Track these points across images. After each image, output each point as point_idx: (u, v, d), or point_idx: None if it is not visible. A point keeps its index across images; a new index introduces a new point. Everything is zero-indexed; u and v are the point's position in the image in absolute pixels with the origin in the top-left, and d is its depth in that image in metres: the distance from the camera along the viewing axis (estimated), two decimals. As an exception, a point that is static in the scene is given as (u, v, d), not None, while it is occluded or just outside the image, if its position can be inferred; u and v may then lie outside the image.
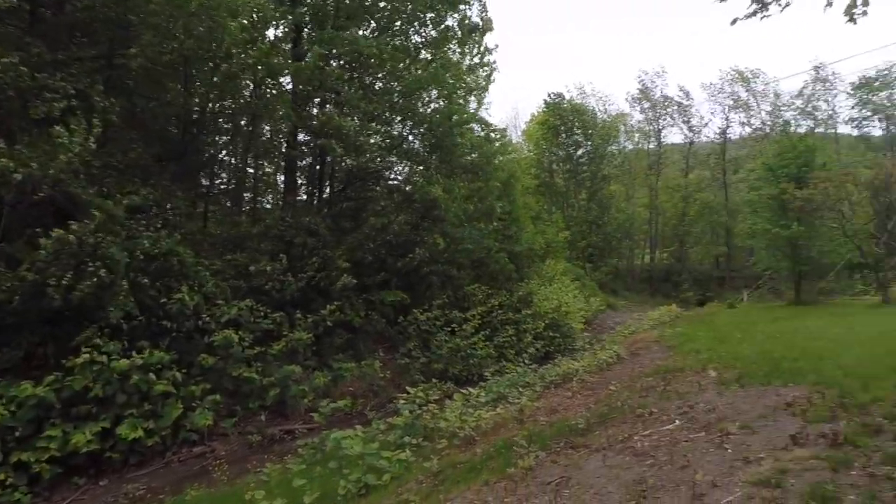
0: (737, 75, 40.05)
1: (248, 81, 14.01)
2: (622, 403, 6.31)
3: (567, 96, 40.80)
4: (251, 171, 19.35)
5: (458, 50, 18.40)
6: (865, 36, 67.57)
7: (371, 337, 16.17)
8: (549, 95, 40.07)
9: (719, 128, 42.52)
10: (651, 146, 45.04)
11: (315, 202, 18.25)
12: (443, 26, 17.09)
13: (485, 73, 17.76)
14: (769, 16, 6.60)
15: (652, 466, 3.86)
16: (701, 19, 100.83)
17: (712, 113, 42.39)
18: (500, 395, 10.09)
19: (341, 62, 17.12)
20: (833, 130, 39.14)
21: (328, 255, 14.50)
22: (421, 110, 18.03)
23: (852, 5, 6.48)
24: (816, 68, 38.03)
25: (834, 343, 8.75)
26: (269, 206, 19.10)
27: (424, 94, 18.00)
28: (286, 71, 13.20)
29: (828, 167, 21.57)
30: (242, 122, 16.02)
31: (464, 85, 16.84)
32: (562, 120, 38.71)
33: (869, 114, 36.55)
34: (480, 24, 17.43)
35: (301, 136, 17.17)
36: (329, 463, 5.75)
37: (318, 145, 15.52)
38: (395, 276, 16.57)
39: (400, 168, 20.32)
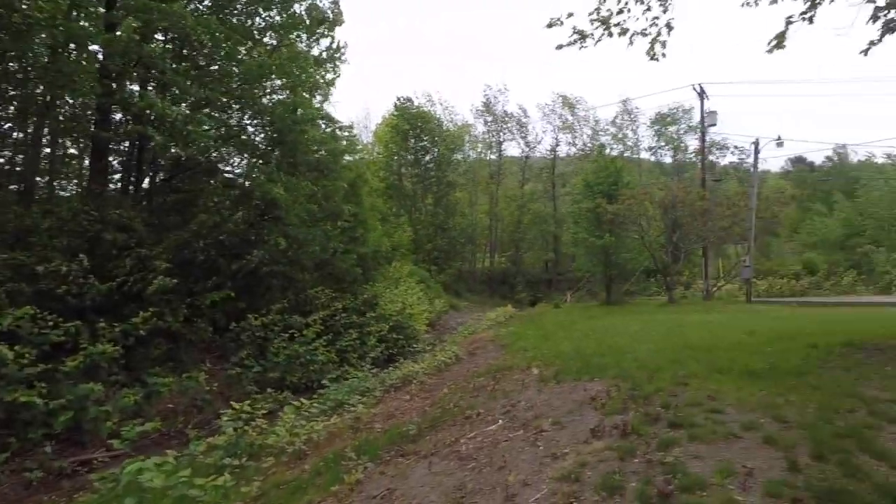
0: (562, 100, 44.92)
1: (42, 44, 11.62)
2: (454, 405, 6.50)
3: (416, 102, 41.78)
4: (48, 150, 16.13)
5: (307, 40, 17.58)
6: (666, 76, 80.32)
7: (197, 346, 14.60)
8: (399, 99, 40.69)
9: (550, 145, 47.18)
10: (493, 157, 48.20)
11: (132, 193, 15.92)
12: (290, 11, 16.15)
13: (333, 68, 17.20)
14: (586, 46, 7.37)
15: (473, 470, 3.99)
16: (541, 42, 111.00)
17: (544, 131, 46.98)
18: (339, 403, 9.80)
19: (168, 37, 15.21)
20: (637, 156, 46.10)
21: (144, 255, 12.74)
22: (264, 101, 16.86)
23: (651, 49, 7.55)
24: (623, 101, 44.53)
25: (632, 339, 10.14)
26: (69, 195, 16.11)
27: (267, 83, 16.86)
28: (93, 39, 11.23)
29: (630, 186, 25.26)
30: (38, 92, 13.30)
31: (311, 78, 16.09)
32: (411, 124, 39.51)
33: (663, 144, 43.79)
34: (330, 15, 16.86)
35: (118, 116, 14.85)
36: (126, 500, 4.93)
37: (136, 132, 13.56)
38: (229, 279, 15.23)
39: (238, 161, 18.79)
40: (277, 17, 16.21)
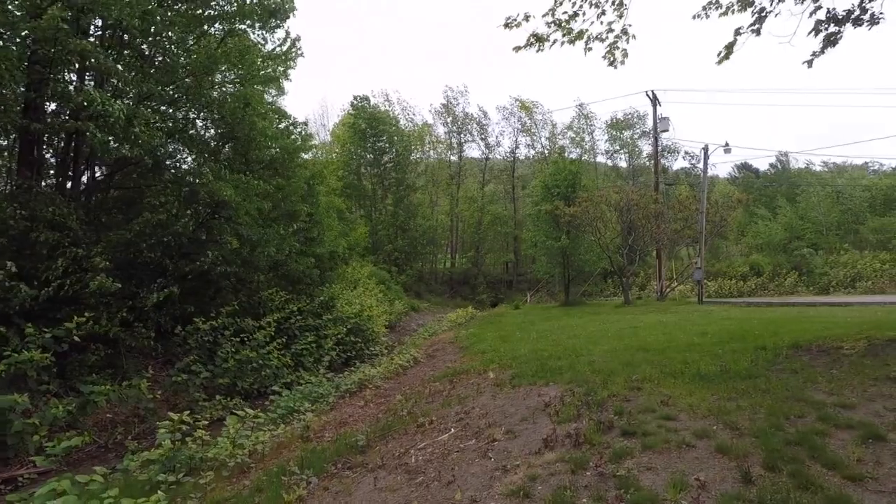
0: (519, 104, 45.38)
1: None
2: (407, 412, 6.29)
3: (373, 101, 41.34)
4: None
5: (258, 32, 16.91)
6: (625, 82, 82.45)
7: (141, 351, 13.87)
8: (356, 98, 40.13)
9: (510, 147, 47.57)
10: (454, 158, 48.22)
11: (68, 189, 14.91)
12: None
13: (285, 62, 16.62)
14: (543, 50, 7.30)
15: (420, 485, 3.79)
16: (505, 43, 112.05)
17: (502, 133, 47.28)
18: (290, 410, 9.42)
19: (108, 24, 14.30)
20: (594, 159, 47.07)
21: (81, 255, 11.93)
22: (215, 94, 16.11)
23: (610, 54, 7.55)
24: (579, 106, 45.41)
25: (588, 340, 10.20)
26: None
27: (218, 76, 16.13)
28: (17, 24, 10.41)
29: (587, 189, 25.69)
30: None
31: (260, 70, 15.49)
32: (368, 123, 39.03)
33: (618, 148, 44.87)
34: (282, 3, 16.25)
35: (53, 107, 13.86)
36: (43, 526, 4.48)
37: (74, 128, 12.66)
38: (177, 282, 14.51)
39: (187, 158, 17.93)
40: (227, 7, 15.51)
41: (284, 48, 16.30)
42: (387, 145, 40.54)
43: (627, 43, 7.05)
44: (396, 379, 10.86)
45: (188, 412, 7.51)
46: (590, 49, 7.25)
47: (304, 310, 17.68)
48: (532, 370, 7.23)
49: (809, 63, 6.40)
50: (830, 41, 6.07)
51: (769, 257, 39.34)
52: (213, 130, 17.47)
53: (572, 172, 25.65)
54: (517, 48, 7.35)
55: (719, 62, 6.85)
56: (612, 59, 7.45)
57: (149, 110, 14.28)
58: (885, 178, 52.62)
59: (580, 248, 25.12)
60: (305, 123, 20.20)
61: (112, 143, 12.58)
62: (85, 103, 11.56)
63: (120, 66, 13.79)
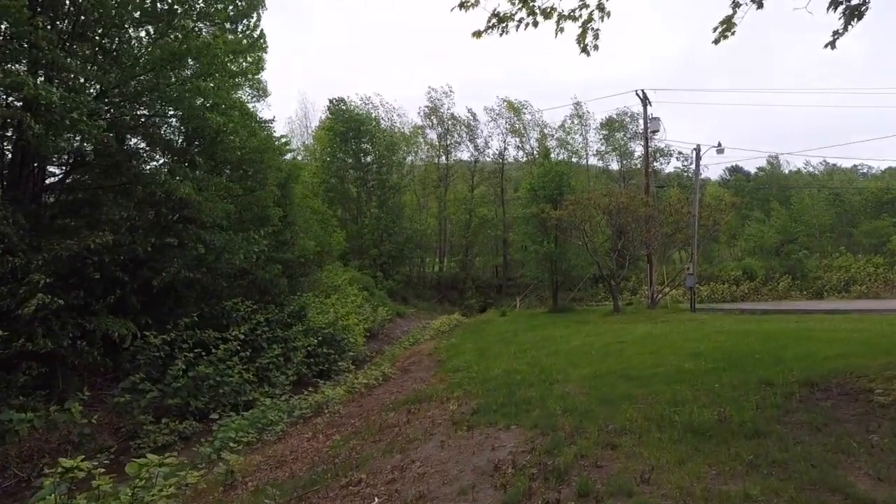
0: (507, 105, 44.43)
1: None
2: (342, 460, 5.25)
3: (352, 103, 40.38)
4: None
5: (228, 25, 15.83)
6: (616, 84, 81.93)
7: (87, 368, 12.74)
8: (332, 101, 39.19)
9: (498, 149, 46.62)
10: (442, 160, 47.24)
11: (11, 192, 13.74)
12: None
13: (253, 54, 15.54)
14: (507, 32, 6.32)
15: None
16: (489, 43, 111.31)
17: (490, 135, 46.26)
18: (230, 442, 8.31)
19: (65, 11, 13.19)
20: (586, 161, 46.19)
21: (18, 265, 10.81)
22: (173, 89, 14.99)
23: (582, 38, 6.57)
24: (575, 105, 44.57)
25: (568, 359, 9.20)
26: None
27: (183, 71, 15.01)
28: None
29: (574, 190, 24.75)
30: None
31: (225, 65, 14.40)
32: (346, 126, 38.01)
33: (610, 149, 44.03)
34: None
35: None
36: None
37: (13, 120, 11.55)
38: (133, 293, 13.45)
39: (151, 158, 16.79)
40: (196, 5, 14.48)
41: (250, 40, 15.21)
42: (368, 146, 39.51)
43: (603, 21, 6.07)
44: (358, 401, 9.82)
45: (82, 458, 6.30)
46: (561, 30, 6.26)
47: (273, 320, 16.59)
48: (498, 401, 6.23)
49: (832, 44, 5.47)
50: (855, 14, 5.12)
51: (762, 261, 38.70)
52: (177, 128, 16.42)
53: (559, 174, 24.71)
54: (477, 33, 6.34)
55: (716, 41, 5.89)
56: (584, 44, 6.47)
57: (101, 106, 13.16)
58: (875, 181, 52.31)
59: (568, 253, 24.16)
60: (272, 120, 19.16)
61: (51, 136, 11.43)
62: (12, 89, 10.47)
63: (76, 61, 12.71)
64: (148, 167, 16.02)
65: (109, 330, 12.22)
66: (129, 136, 15.10)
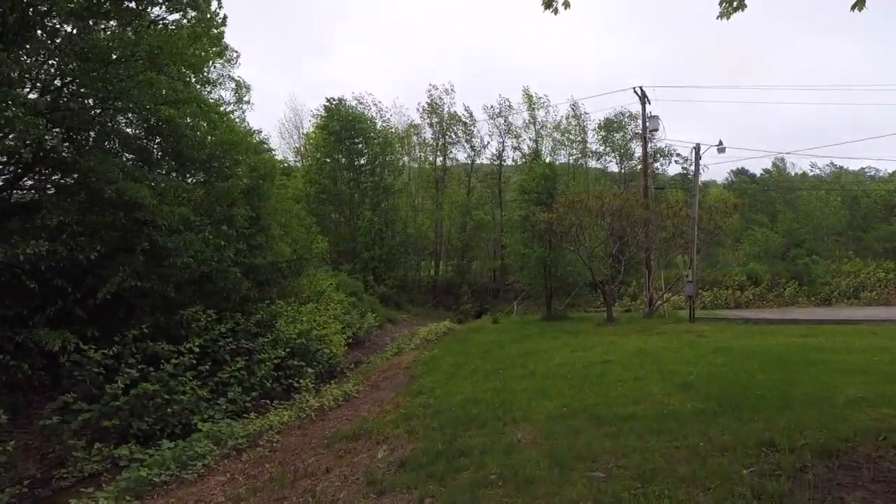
0: (507, 103, 43.24)
1: None
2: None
3: (350, 103, 39.27)
4: None
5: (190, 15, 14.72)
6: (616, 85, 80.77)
7: (18, 385, 11.59)
8: (328, 100, 38.16)
9: (496, 150, 45.42)
10: (439, 161, 46.10)
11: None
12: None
13: (212, 41, 14.42)
14: None
15: None
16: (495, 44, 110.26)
17: (490, 135, 44.95)
18: (145, 482, 7.10)
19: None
20: (584, 162, 44.85)
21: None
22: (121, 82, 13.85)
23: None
24: (573, 106, 43.26)
25: (541, 387, 7.89)
26: None
27: (139, 62, 13.90)
28: None
29: (567, 192, 23.49)
30: None
31: (178, 55, 13.26)
32: (342, 125, 36.92)
33: (609, 150, 42.71)
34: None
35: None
36: None
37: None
38: (77, 303, 12.33)
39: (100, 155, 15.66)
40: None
41: (204, 25, 14.05)
42: (363, 146, 38.40)
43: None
44: (305, 429, 8.63)
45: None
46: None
47: (238, 330, 15.42)
48: (435, 448, 5.05)
49: (859, 5, 4.32)
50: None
51: (767, 265, 37.34)
52: (139, 125, 15.32)
53: (550, 175, 23.47)
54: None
55: (721, 15, 4.76)
56: (551, 4, 5.30)
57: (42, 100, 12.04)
58: (884, 184, 50.80)
59: (563, 258, 22.87)
60: (231, 113, 18.01)
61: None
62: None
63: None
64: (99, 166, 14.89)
65: (44, 342, 11.11)
66: (81, 133, 14.04)
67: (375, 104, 42.65)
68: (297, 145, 45.32)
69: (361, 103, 41.12)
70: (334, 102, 37.91)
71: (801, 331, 13.77)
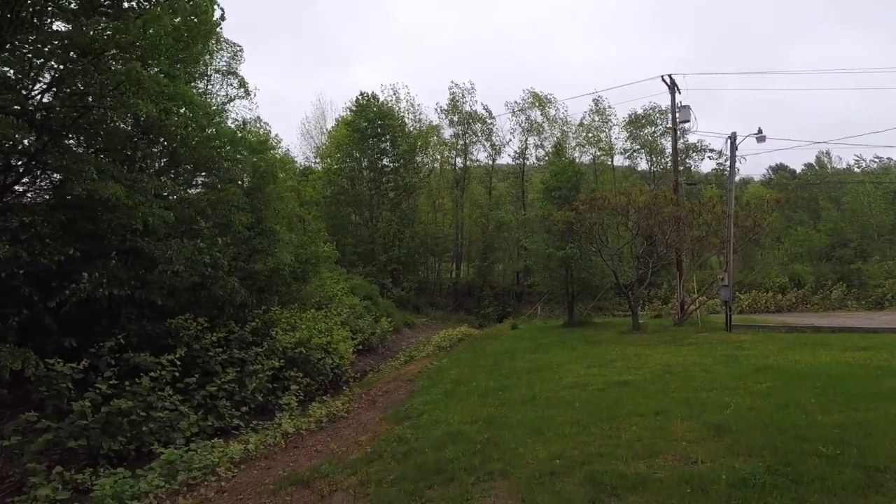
0: (533, 97, 41.54)
1: None
2: None
3: (382, 97, 38.34)
4: None
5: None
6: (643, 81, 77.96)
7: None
8: (361, 95, 37.17)
9: (518, 148, 43.87)
10: (459, 161, 44.87)
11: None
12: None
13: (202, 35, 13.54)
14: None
15: None
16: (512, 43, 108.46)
17: (512, 131, 43.38)
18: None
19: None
20: (611, 160, 42.83)
21: None
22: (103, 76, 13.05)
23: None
24: (595, 100, 41.28)
25: (542, 413, 6.57)
26: None
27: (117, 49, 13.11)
28: None
29: (592, 189, 21.89)
30: None
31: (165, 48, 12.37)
32: (370, 123, 35.97)
33: (638, 147, 40.58)
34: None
35: None
36: None
37: None
38: (48, 312, 11.54)
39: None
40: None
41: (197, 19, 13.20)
42: (388, 146, 37.38)
43: None
44: (268, 462, 7.45)
45: None
46: None
47: (232, 339, 14.49)
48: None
49: None
50: None
51: (811, 267, 34.73)
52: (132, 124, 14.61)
53: (575, 172, 21.92)
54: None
55: None
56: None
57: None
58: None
59: (585, 261, 21.25)
60: (220, 112, 17.14)
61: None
62: None
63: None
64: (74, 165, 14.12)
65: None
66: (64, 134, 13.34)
67: (406, 98, 41.65)
68: (319, 144, 44.71)
69: (396, 97, 40.32)
70: (367, 97, 36.99)
71: (857, 342, 11.96)
